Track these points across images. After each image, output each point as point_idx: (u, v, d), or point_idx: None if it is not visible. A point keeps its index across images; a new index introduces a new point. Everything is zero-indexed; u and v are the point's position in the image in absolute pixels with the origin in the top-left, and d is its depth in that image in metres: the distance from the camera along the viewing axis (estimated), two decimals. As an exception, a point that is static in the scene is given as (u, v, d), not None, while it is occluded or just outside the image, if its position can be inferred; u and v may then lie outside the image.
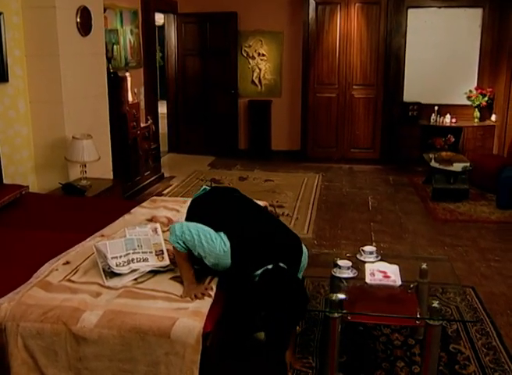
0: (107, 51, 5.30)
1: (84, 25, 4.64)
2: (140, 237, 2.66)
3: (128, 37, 6.39)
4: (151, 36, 6.98)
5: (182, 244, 2.41)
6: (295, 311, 2.29)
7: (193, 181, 6.69)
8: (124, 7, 6.25)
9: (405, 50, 7.49)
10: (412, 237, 4.78)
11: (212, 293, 2.40)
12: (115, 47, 6.03)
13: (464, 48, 7.40)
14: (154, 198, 3.92)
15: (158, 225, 2.79)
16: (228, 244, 2.35)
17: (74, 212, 3.63)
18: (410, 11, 7.38)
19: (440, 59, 7.45)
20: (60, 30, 4.33)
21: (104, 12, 5.79)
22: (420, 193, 6.21)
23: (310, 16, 7.27)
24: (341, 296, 2.65)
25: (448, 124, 7.35)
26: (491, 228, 5.05)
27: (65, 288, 2.42)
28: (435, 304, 2.61)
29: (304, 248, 2.59)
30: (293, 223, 5.12)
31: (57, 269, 2.59)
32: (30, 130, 4.51)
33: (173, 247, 2.45)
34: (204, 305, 2.29)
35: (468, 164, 5.99)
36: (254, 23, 7.72)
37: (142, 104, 6.92)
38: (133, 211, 3.51)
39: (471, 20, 7.32)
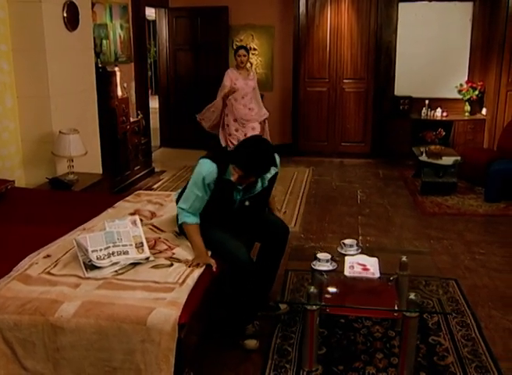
0: (95, 45, 5.30)
1: (71, 20, 4.63)
2: (119, 230, 2.69)
3: (118, 31, 6.38)
4: (141, 31, 6.98)
5: (192, 213, 2.80)
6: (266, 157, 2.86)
7: (183, 176, 6.71)
8: (114, 1, 6.24)
9: (396, 44, 7.49)
10: (399, 231, 4.81)
11: (214, 267, 2.68)
12: (104, 41, 6.03)
13: (455, 42, 7.41)
14: (139, 192, 3.94)
15: (137, 217, 2.82)
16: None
17: (59, 207, 3.65)
18: (401, 5, 7.37)
19: (431, 53, 7.45)
20: (46, 24, 4.32)
21: (94, 6, 5.80)
22: (409, 186, 6.24)
23: (300, 11, 7.26)
24: (317, 289, 2.68)
25: (439, 118, 7.37)
26: (478, 221, 5.09)
27: (44, 281, 2.45)
28: (412, 296, 2.64)
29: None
30: (281, 216, 5.13)
31: (37, 263, 2.62)
32: (18, 125, 4.51)
33: (184, 224, 2.82)
34: (182, 295, 2.32)
35: (457, 158, 6.01)
36: (245, 18, 7.71)
37: (133, 99, 6.94)
38: (116, 205, 3.54)
39: (461, 14, 7.33)
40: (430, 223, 5.02)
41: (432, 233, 4.72)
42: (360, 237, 4.61)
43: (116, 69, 5.84)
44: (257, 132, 5.83)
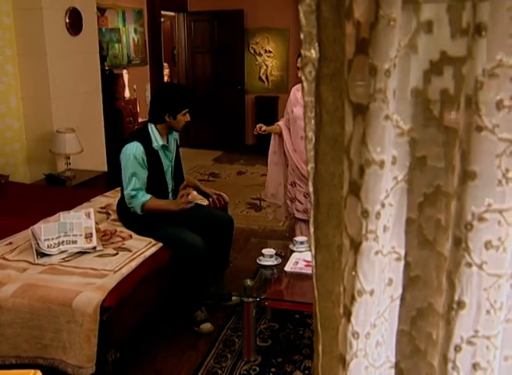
0: (102, 49, 5.58)
1: (74, 25, 4.92)
2: (72, 221, 2.89)
3: (131, 35, 6.67)
4: (157, 34, 7.25)
5: (141, 193, 3.00)
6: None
7: (192, 175, 6.91)
8: (127, 7, 6.53)
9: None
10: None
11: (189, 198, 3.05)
12: (116, 45, 6.32)
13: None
14: (119, 188, 4.14)
15: (91, 210, 3.02)
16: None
17: (45, 201, 3.90)
18: (416, 6, 7.30)
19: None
20: (47, 30, 4.62)
21: (105, 12, 6.11)
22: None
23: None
24: (251, 282, 2.80)
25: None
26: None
27: (-4, 265, 2.69)
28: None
29: None
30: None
31: (-3, 250, 2.86)
32: (22, 124, 4.85)
33: (143, 205, 2.99)
34: (111, 281, 2.49)
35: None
36: (260, 21, 7.85)
37: (148, 100, 7.22)
38: (93, 199, 3.75)
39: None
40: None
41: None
42: (344, 238, 4.65)
43: (124, 71, 6.11)
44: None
